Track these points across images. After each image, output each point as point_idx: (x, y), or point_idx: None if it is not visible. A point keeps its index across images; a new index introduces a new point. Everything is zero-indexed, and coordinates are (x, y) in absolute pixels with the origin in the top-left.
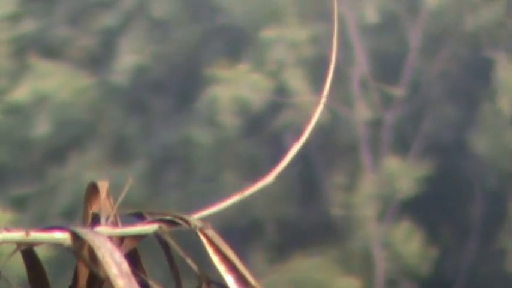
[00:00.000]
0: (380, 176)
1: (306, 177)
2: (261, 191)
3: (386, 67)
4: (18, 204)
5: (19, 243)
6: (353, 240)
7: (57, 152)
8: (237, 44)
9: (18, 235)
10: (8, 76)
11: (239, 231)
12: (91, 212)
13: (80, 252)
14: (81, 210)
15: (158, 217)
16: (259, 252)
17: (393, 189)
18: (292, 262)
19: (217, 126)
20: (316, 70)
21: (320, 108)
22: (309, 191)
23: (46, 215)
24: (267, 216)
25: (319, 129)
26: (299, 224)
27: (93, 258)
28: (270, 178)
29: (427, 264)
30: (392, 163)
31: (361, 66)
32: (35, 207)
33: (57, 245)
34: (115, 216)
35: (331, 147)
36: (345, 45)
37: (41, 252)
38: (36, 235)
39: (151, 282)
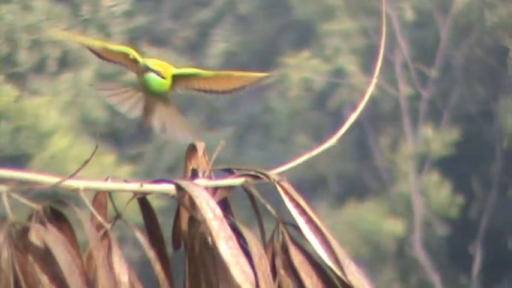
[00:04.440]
0: (418, 139)
1: (360, 140)
2: (325, 151)
3: (423, 53)
4: (134, 160)
5: (135, 193)
6: (397, 190)
7: None
8: (302, 34)
9: (134, 186)
10: None
11: (307, 184)
12: (190, 167)
13: (182, 200)
14: (182, 165)
15: (244, 172)
16: (323, 200)
17: (428, 150)
18: (349, 208)
19: (289, 100)
20: (366, 56)
21: (372, 86)
22: (362, 151)
23: (155, 169)
24: (329, 172)
25: (370, 102)
26: (354, 177)
27: (193, 205)
28: (332, 141)
29: (456, 209)
30: (428, 129)
31: (403, 52)
32: (146, 162)
33: (164, 195)
34: (210, 171)
35: (380, 117)
36: (389, 36)
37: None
38: (148, 186)
39: (238, 224)
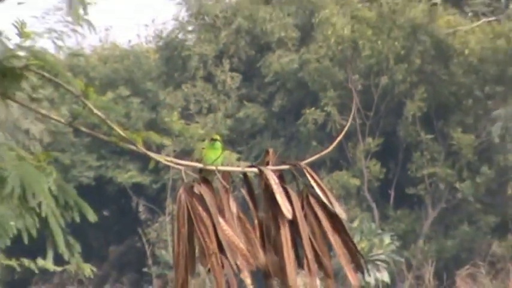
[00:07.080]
0: (365, 144)
1: (341, 144)
2: (324, 156)
3: (368, 109)
4: (240, 154)
5: (241, 171)
6: (356, 166)
7: (239, 140)
8: (312, 97)
9: (239, 169)
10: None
11: (317, 163)
12: (266, 160)
13: (261, 175)
14: (262, 159)
15: (288, 162)
16: (323, 170)
17: (370, 148)
18: (335, 174)
19: (309, 131)
20: (345, 110)
21: (348, 125)
22: (341, 149)
23: (250, 160)
24: (326, 157)
25: (348, 131)
26: (338, 160)
27: (266, 178)
28: (330, 148)
29: (382, 175)
30: (369, 139)
31: (361, 111)
32: (245, 155)
33: (253, 173)
34: (274, 162)
35: (348, 134)
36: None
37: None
38: (246, 168)
39: (288, 187)
